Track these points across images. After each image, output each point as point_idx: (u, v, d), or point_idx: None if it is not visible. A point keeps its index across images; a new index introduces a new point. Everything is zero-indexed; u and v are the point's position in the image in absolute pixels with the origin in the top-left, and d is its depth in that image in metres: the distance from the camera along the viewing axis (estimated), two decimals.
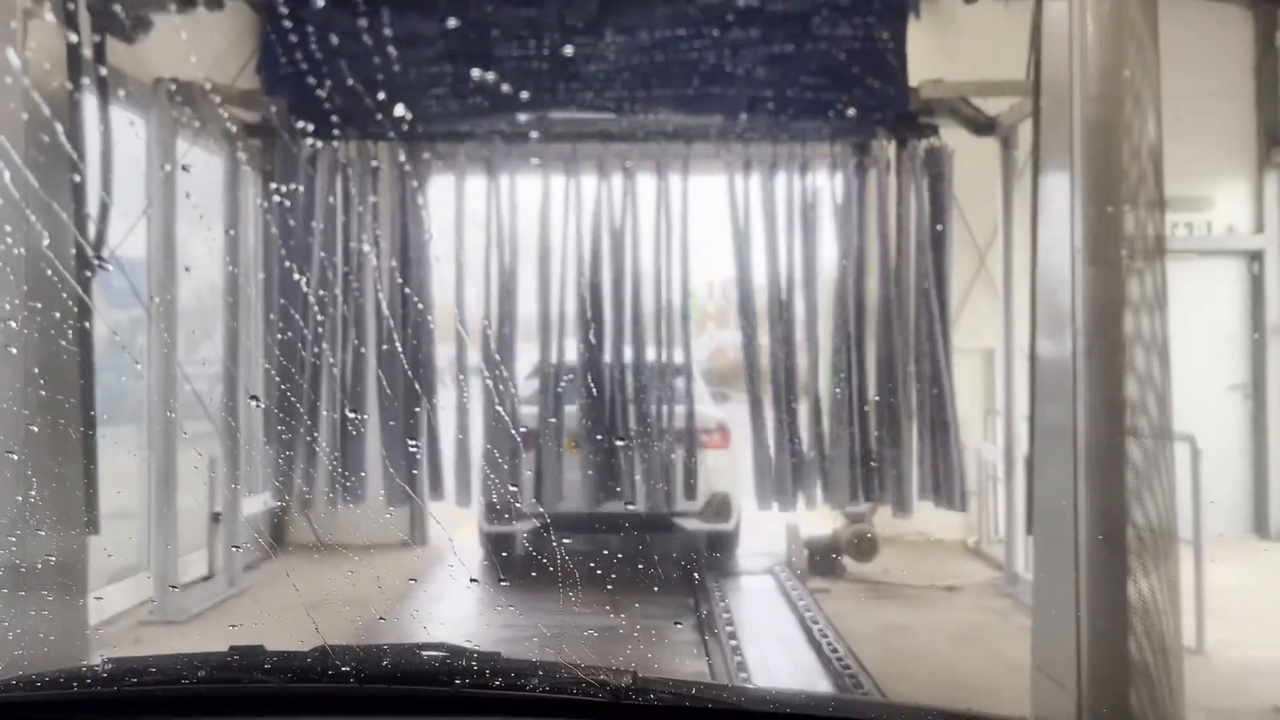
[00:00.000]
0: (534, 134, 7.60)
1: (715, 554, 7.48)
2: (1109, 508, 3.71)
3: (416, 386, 7.91)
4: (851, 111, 6.65)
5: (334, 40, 5.80)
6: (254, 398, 8.24)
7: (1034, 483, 4.39)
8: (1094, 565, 3.72)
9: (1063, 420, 3.92)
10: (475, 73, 6.41)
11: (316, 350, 7.92)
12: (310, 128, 6.91)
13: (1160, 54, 3.87)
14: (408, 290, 7.87)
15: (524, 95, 6.56)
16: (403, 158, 7.70)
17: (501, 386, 7.92)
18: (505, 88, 6.49)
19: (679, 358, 7.91)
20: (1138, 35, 3.75)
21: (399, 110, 6.66)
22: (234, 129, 7.74)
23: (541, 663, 1.51)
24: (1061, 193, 3.92)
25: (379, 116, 6.50)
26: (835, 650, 6.05)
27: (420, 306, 7.90)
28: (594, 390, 7.66)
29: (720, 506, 7.44)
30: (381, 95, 6.37)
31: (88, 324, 4.50)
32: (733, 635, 6.58)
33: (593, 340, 7.76)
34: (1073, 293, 3.82)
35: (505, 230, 7.89)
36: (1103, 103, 3.78)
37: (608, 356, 7.82)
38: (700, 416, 7.91)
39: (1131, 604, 3.69)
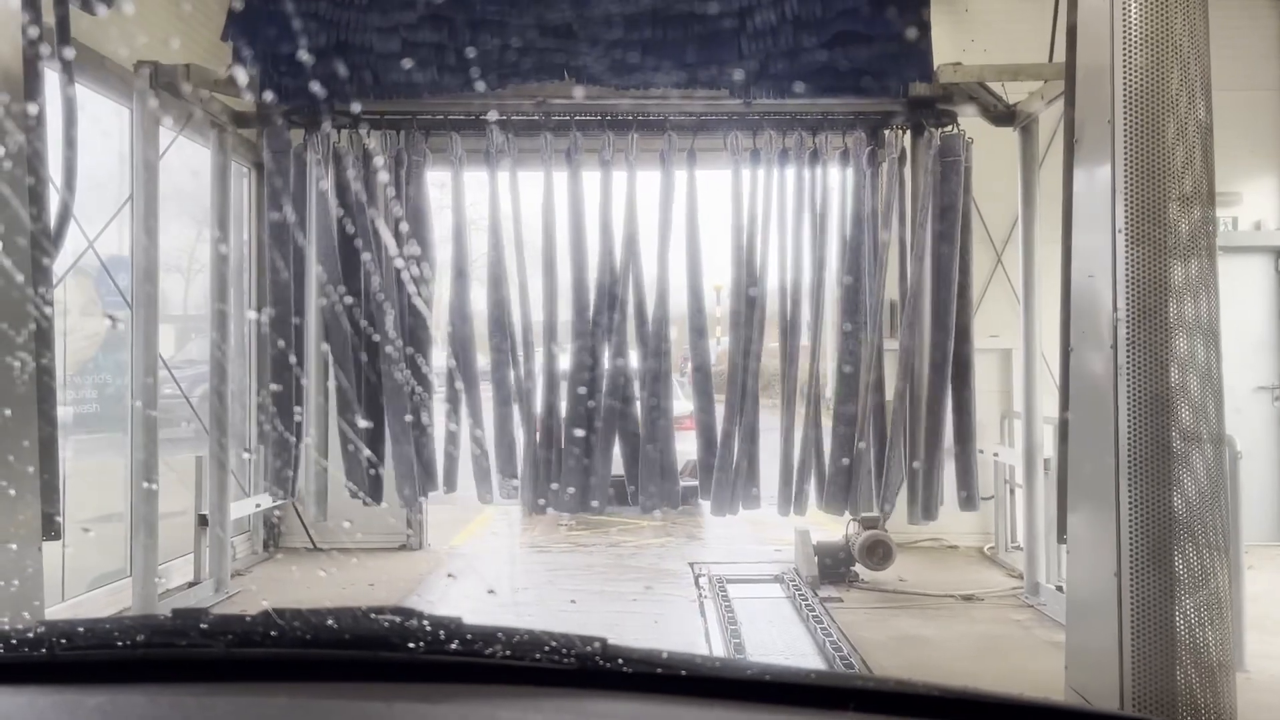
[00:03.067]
0: (534, 116, 7.27)
1: (685, 501, 8.30)
2: (1155, 514, 3.38)
3: (413, 383, 7.59)
4: (873, 78, 6.19)
5: (305, 3, 5.45)
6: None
7: (1067, 487, 4.05)
8: (1139, 577, 3.38)
9: (1101, 418, 3.59)
10: (456, 39, 5.97)
11: (309, 345, 7.61)
12: (290, 106, 6.53)
13: (1209, 19, 3.54)
14: (404, 283, 7.54)
15: (517, 63, 6.14)
16: (380, 145, 7.37)
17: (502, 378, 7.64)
18: (495, 56, 6.07)
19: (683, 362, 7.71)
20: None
21: (378, 79, 6.21)
22: (222, 116, 7.44)
23: (503, 628, 1.42)
24: (1100, 169, 3.60)
25: (355, 86, 6.07)
26: (848, 664, 5.73)
27: (418, 299, 7.57)
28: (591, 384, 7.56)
29: (692, 470, 8.19)
30: (358, 64, 5.99)
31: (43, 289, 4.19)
32: (737, 643, 6.29)
33: (591, 343, 7.53)
34: (1114, 276, 3.49)
35: (503, 224, 7.58)
36: (1147, 71, 3.46)
37: (607, 361, 7.57)
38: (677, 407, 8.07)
39: (1179, 620, 3.36)
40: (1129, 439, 3.43)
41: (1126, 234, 3.47)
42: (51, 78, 4.75)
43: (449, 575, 7.94)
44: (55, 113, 5.13)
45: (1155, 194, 3.45)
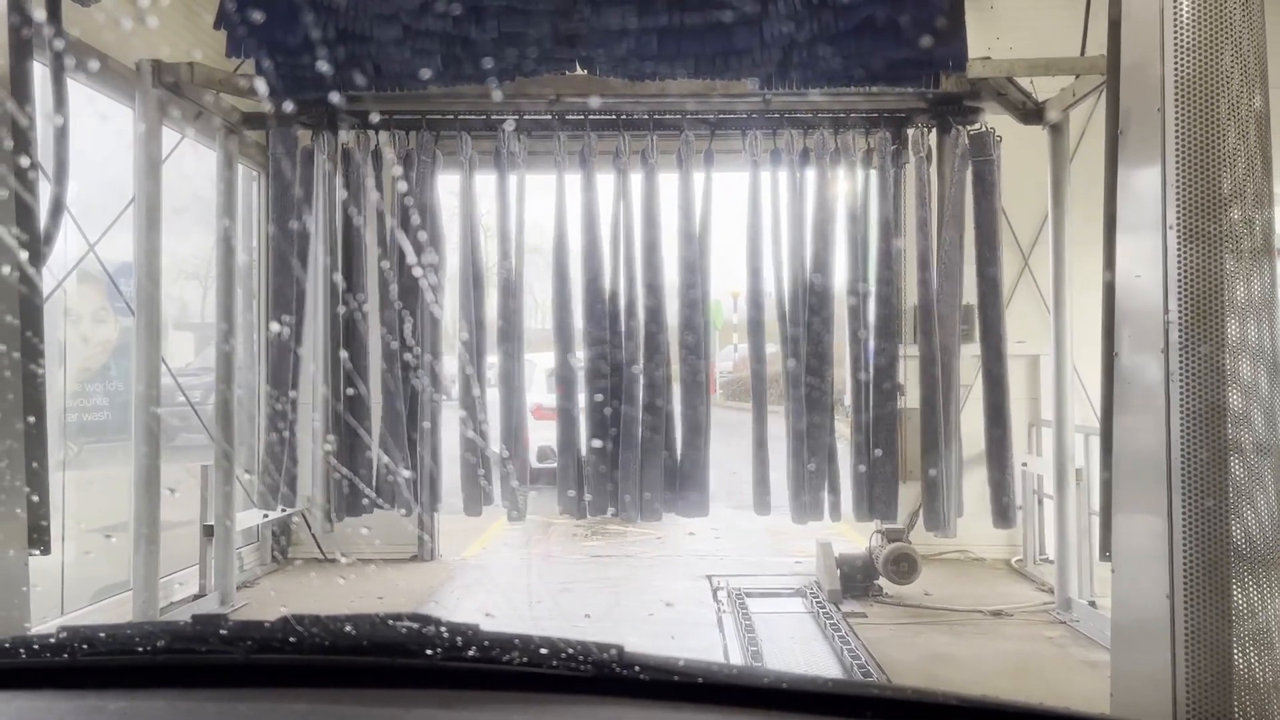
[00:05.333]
0: (546, 116, 7.06)
1: None
2: (1213, 531, 3.13)
3: (426, 387, 7.39)
4: (903, 67, 5.83)
5: None
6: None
7: (1111, 502, 3.80)
8: (1194, 600, 3.13)
9: (1150, 427, 3.34)
10: (460, 26, 5.68)
11: (319, 351, 7.42)
12: (289, 97, 6.28)
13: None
14: (414, 289, 7.33)
15: (525, 54, 5.86)
16: (390, 146, 7.18)
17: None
18: (501, 45, 5.78)
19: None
20: None
21: (380, 70, 5.90)
22: (230, 117, 7.28)
23: (520, 635, 1.41)
24: (1149, 161, 3.35)
25: (356, 77, 5.79)
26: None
27: (431, 305, 7.37)
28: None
29: None
30: (358, 53, 5.72)
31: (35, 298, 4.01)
32: (755, 651, 6.12)
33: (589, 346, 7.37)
34: (1164, 276, 3.24)
35: (512, 226, 7.38)
36: (1201, 53, 3.22)
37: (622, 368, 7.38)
38: None
39: (1237, 646, 3.10)
40: (1184, 450, 3.18)
41: (1179, 230, 3.22)
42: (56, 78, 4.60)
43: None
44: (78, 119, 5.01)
45: (1210, 187, 3.20)
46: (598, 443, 7.25)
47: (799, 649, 6.29)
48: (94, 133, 6.69)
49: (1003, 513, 7.05)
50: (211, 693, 1.39)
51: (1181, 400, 3.20)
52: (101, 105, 6.47)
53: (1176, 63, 3.27)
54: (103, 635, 1.45)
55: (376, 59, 5.80)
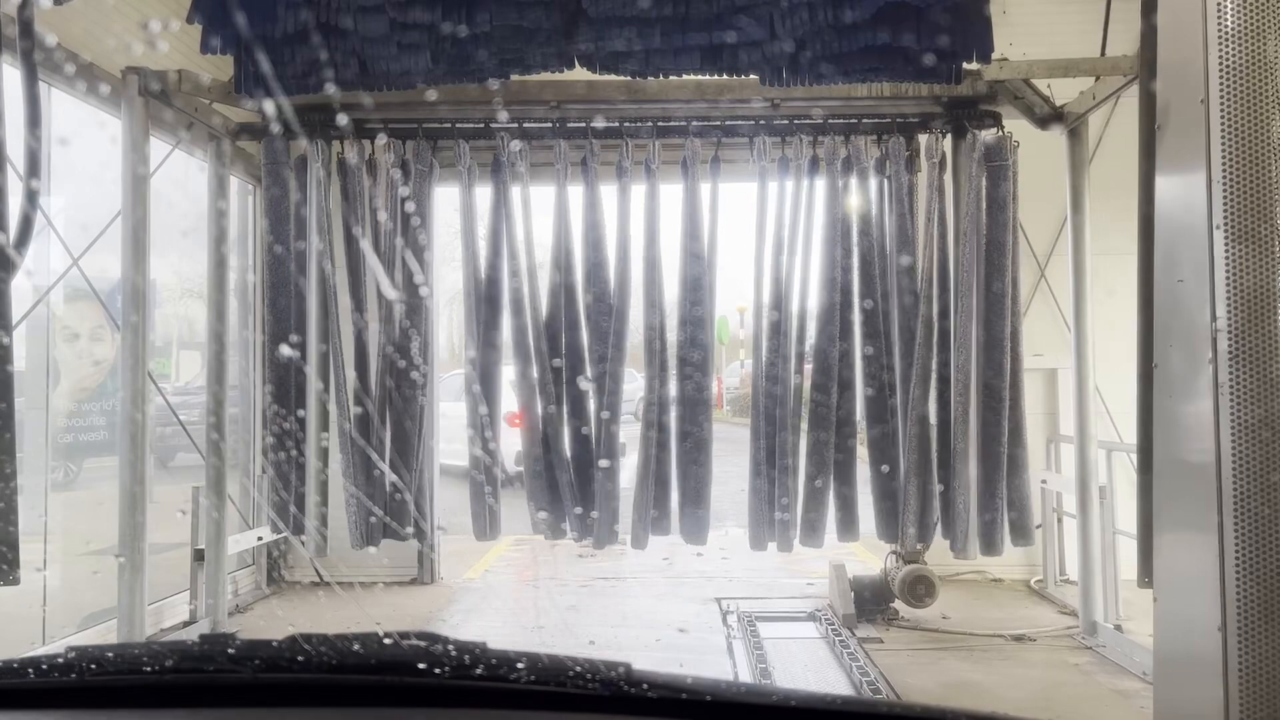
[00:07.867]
0: (547, 123, 6.82)
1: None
2: (1267, 557, 2.87)
3: (421, 406, 7.14)
4: (924, 59, 5.51)
5: None
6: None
7: (1152, 525, 3.53)
8: (1249, 633, 2.87)
9: (1196, 444, 3.09)
10: (450, 19, 5.39)
11: (312, 369, 7.18)
12: (277, 101, 6.05)
13: None
14: (411, 299, 7.09)
15: (520, 48, 5.58)
16: (385, 155, 6.95)
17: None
18: (495, 39, 5.50)
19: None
20: None
21: (365, 68, 5.57)
22: (221, 126, 7.07)
23: (527, 653, 1.40)
24: (1193, 157, 3.11)
25: (340, 74, 5.49)
26: None
27: (424, 321, 7.12)
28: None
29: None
30: (343, 49, 5.45)
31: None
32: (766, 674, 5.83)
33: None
34: (1211, 280, 2.99)
35: (514, 237, 7.13)
36: (1251, 37, 2.98)
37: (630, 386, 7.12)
38: None
39: None
40: (1236, 468, 2.92)
41: (1227, 230, 2.97)
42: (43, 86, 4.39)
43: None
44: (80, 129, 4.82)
45: (1262, 181, 2.95)
46: (605, 462, 7.00)
47: (812, 675, 6.01)
48: (104, 150, 6.54)
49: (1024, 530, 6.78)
50: (219, 712, 1.40)
51: (1233, 414, 2.95)
52: (112, 127, 6.32)
53: (1221, 51, 3.03)
54: (111, 655, 1.45)
55: (362, 54, 5.52)
